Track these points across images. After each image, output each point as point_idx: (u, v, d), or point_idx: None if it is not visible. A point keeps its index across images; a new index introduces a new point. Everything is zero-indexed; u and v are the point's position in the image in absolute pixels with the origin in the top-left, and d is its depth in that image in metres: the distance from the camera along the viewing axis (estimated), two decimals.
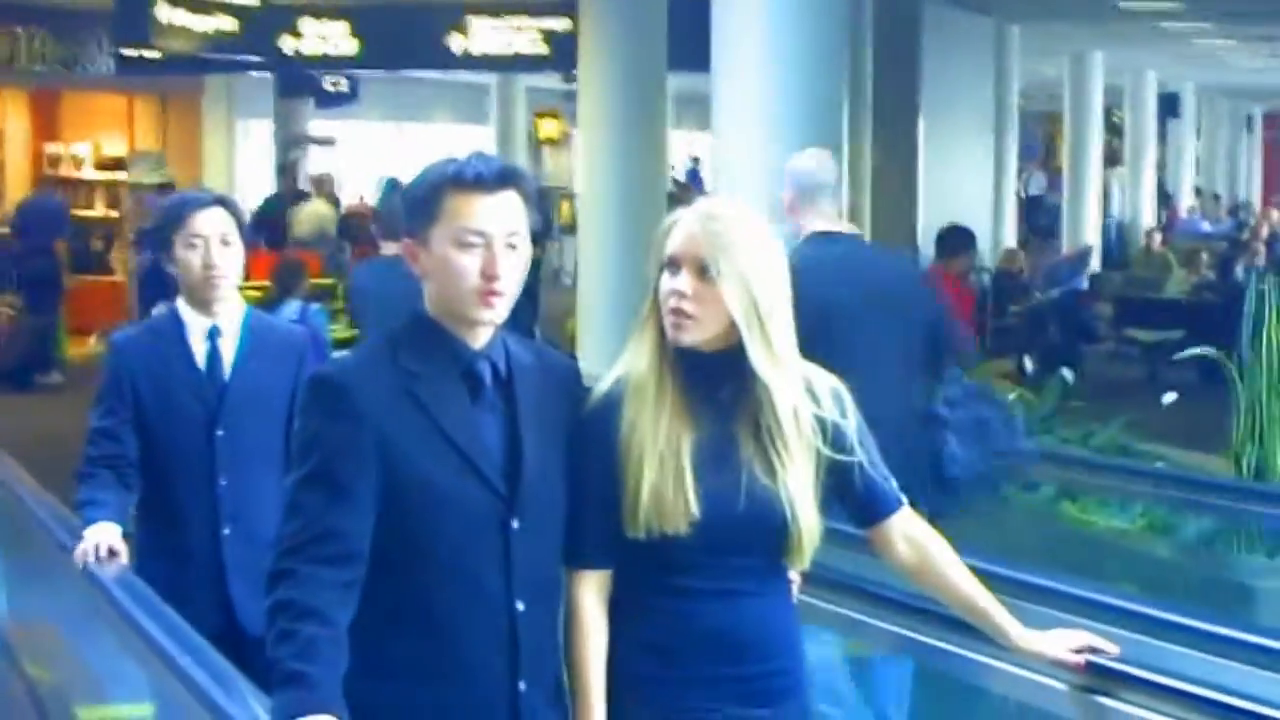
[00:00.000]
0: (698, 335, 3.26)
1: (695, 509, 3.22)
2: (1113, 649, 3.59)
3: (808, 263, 4.44)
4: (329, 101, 22.56)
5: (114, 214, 20.03)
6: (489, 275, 3.16)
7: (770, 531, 3.27)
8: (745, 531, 3.26)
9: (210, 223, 4.62)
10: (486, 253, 3.16)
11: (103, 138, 21.81)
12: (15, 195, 20.64)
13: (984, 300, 17.13)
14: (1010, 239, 20.71)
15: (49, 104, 21.75)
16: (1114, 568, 6.30)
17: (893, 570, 3.53)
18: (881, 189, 15.55)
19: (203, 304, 4.65)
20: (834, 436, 3.32)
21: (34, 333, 15.61)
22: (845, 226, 6.01)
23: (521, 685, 3.23)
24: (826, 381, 3.38)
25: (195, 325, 4.66)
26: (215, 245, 4.60)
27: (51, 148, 21.62)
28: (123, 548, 4.54)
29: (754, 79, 8.99)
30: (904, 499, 3.44)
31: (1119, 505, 6.85)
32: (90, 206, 20.46)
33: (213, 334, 4.64)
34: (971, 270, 10.50)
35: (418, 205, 3.24)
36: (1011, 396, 7.91)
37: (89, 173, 21.30)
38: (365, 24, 16.27)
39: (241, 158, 23.78)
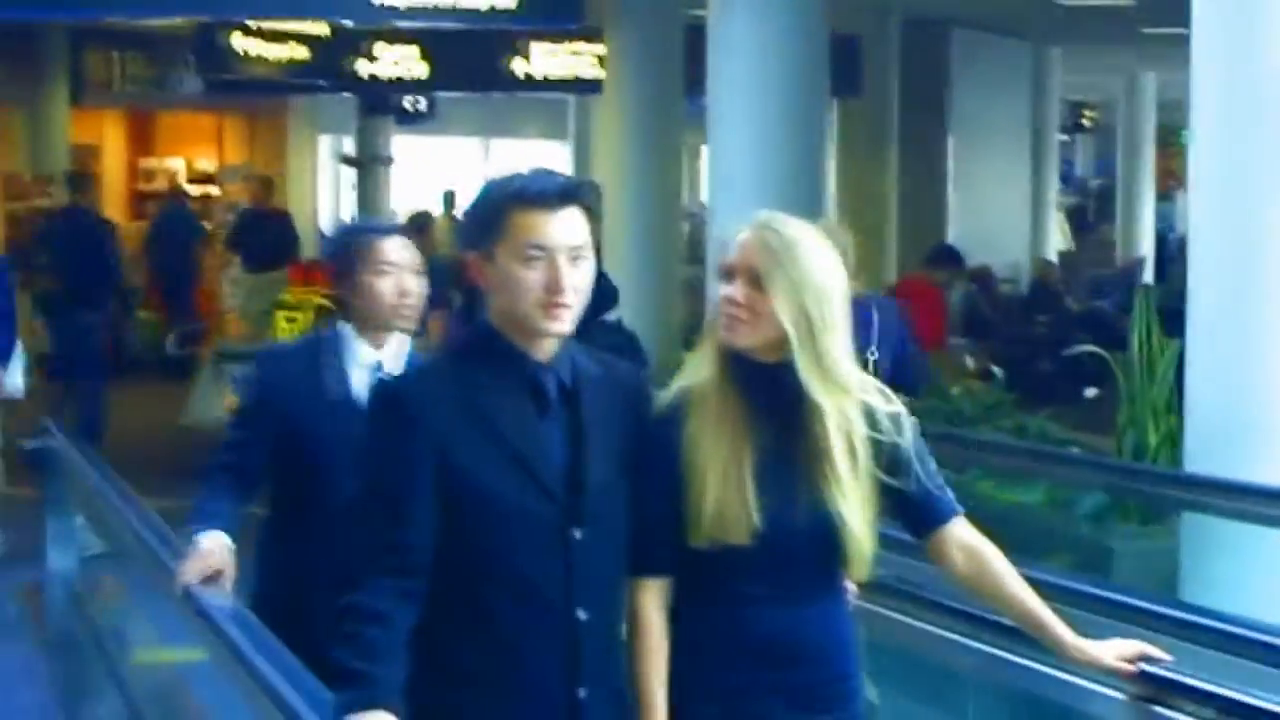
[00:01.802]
0: (748, 338, 3.28)
1: (756, 520, 3.22)
2: (1166, 657, 3.59)
3: None
4: (408, 119, 23.19)
5: (205, 225, 20.43)
6: (553, 289, 3.16)
7: (825, 544, 3.27)
8: (802, 543, 3.27)
9: (401, 251, 4.43)
10: (550, 267, 3.16)
11: (194, 153, 22.56)
12: (113, 209, 21.08)
13: (1014, 308, 18.06)
14: (1050, 253, 21.41)
15: (143, 122, 22.43)
16: (1009, 534, 7.22)
17: (948, 579, 3.53)
18: (908, 206, 16.44)
19: (376, 332, 4.41)
20: (889, 456, 3.33)
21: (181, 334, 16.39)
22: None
23: (582, 693, 3.22)
24: (884, 398, 3.38)
25: (361, 354, 4.40)
26: (408, 274, 4.41)
27: (146, 163, 22.30)
28: (229, 564, 4.34)
29: (743, 101, 9.95)
30: (959, 509, 3.44)
31: (1026, 483, 7.89)
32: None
33: (377, 369, 4.37)
34: (952, 283, 11.51)
35: (482, 222, 3.25)
36: (955, 390, 8.93)
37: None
38: (434, 48, 16.80)
39: (324, 172, 24.70)
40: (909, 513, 3.40)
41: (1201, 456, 6.44)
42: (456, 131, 28.95)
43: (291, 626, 4.10)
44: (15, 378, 9.66)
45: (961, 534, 3.42)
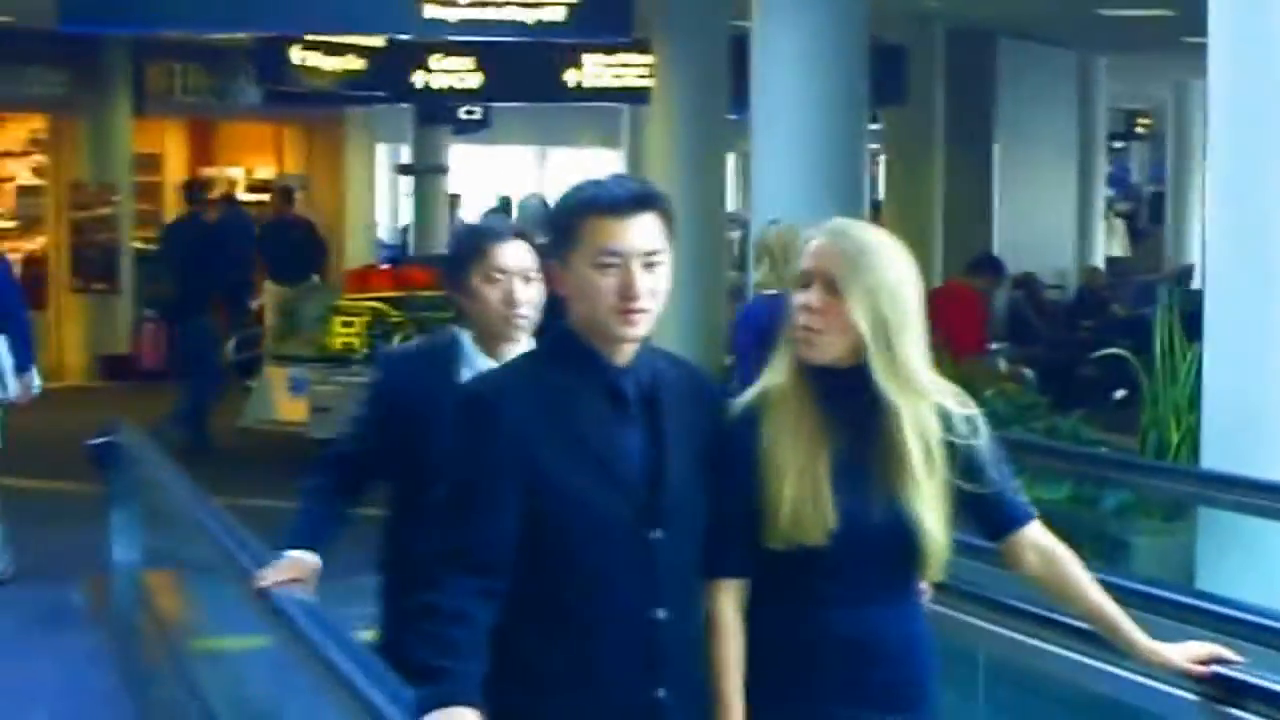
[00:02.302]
0: (824, 352, 3.31)
1: (832, 521, 3.25)
2: (1238, 659, 3.62)
3: None
4: (464, 128, 23.43)
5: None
6: (627, 294, 3.19)
7: (900, 545, 3.30)
8: (877, 544, 3.29)
9: (514, 256, 4.19)
10: (624, 272, 3.19)
11: (253, 162, 22.92)
12: (174, 215, 22.06)
13: (1059, 314, 18.28)
14: (1098, 259, 21.59)
15: (203, 132, 22.69)
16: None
17: (1023, 580, 3.55)
18: (954, 213, 16.64)
19: (493, 342, 4.21)
20: (965, 459, 3.34)
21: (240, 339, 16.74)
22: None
23: (661, 693, 3.25)
24: (960, 401, 3.38)
25: (478, 363, 4.18)
26: (518, 282, 4.17)
27: (206, 172, 22.29)
28: (311, 581, 4.30)
29: (785, 110, 10.31)
30: (1034, 512, 3.46)
31: (1054, 481, 8.15)
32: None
33: None
34: (993, 289, 11.81)
35: (558, 230, 3.29)
36: (989, 393, 9.19)
37: (241, 195, 21.97)
38: (489, 59, 17.00)
39: (382, 181, 25.04)
40: (984, 515, 3.44)
41: (1218, 454, 6.62)
42: (512, 140, 29.26)
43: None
44: (35, 378, 9.85)
45: (1037, 537, 3.45)
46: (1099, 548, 7.40)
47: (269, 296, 16.92)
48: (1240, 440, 6.56)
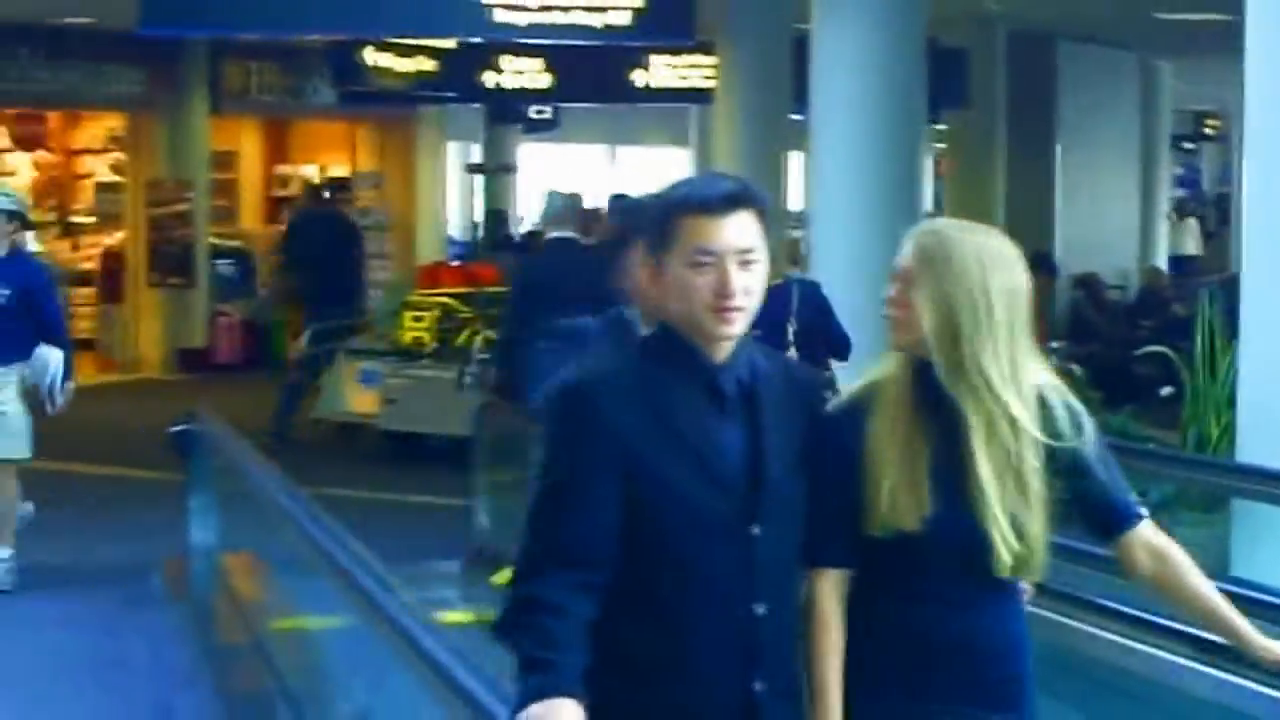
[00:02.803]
0: (904, 338, 3.34)
1: (926, 508, 3.25)
2: None
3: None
4: (533, 127, 23.59)
5: None
6: (722, 293, 3.18)
7: (973, 548, 3.28)
8: (959, 542, 3.28)
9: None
10: (719, 271, 3.17)
11: (327, 160, 22.94)
12: (250, 212, 22.09)
13: (1120, 313, 18.44)
14: (1161, 259, 21.67)
15: (278, 130, 22.88)
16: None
17: (1136, 582, 3.51)
18: (1016, 215, 16.67)
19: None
20: (1069, 460, 3.33)
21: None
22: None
23: (758, 686, 3.22)
24: (1065, 402, 3.37)
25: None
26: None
27: (281, 169, 22.77)
28: None
29: (844, 112, 10.53)
30: (1145, 512, 3.43)
31: None
32: None
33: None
34: (1047, 288, 12.02)
35: (653, 231, 3.28)
36: None
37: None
38: (558, 60, 17.05)
39: (452, 178, 25.26)
40: (1092, 515, 3.42)
41: (1253, 448, 6.79)
42: (583, 139, 29.45)
43: None
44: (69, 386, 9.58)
45: (1149, 537, 3.42)
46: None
47: None
48: (1275, 435, 6.75)
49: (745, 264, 3.20)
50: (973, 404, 3.27)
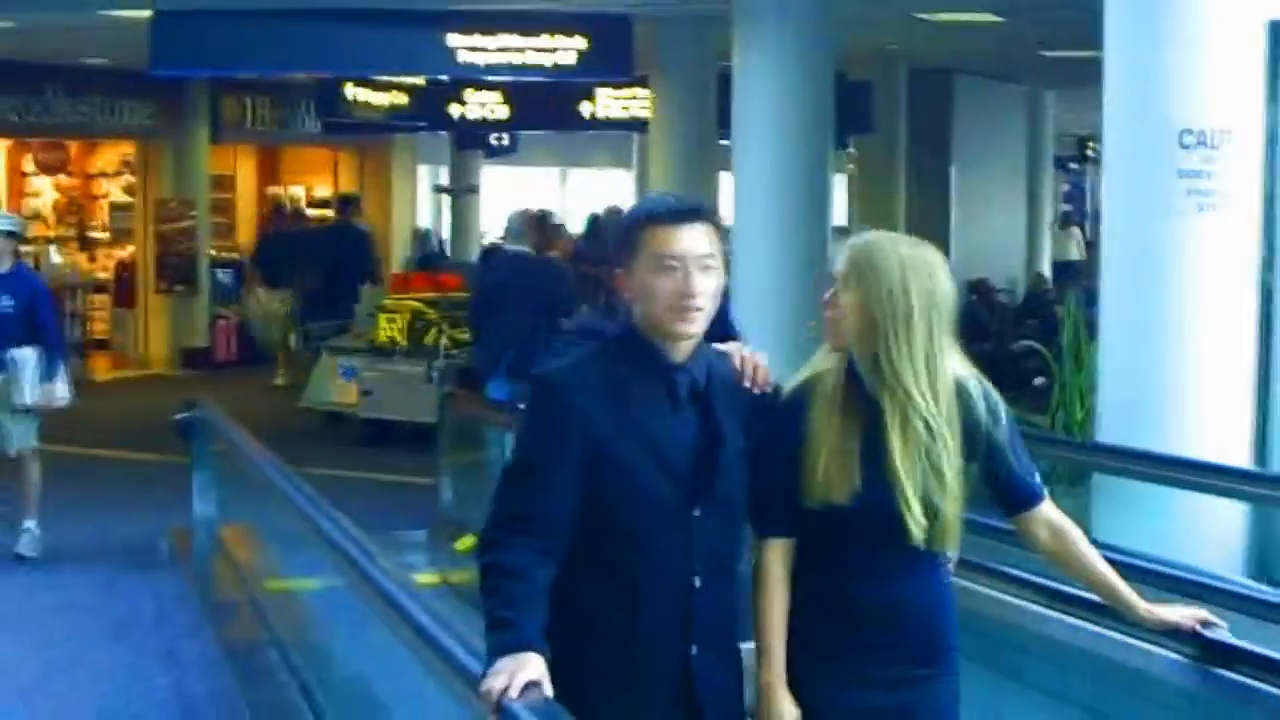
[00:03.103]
0: (837, 338, 3.32)
1: (856, 485, 3.23)
2: (1219, 622, 3.63)
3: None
4: (494, 152, 23.63)
5: None
6: (685, 294, 3.20)
7: (892, 522, 3.25)
8: (882, 518, 3.26)
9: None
10: (682, 275, 3.20)
11: (313, 182, 23.12)
12: (245, 227, 21.98)
13: (1009, 314, 18.59)
14: (1045, 266, 21.84)
15: (270, 156, 22.92)
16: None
17: (1035, 552, 3.51)
18: (916, 228, 16.84)
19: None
20: (985, 443, 3.32)
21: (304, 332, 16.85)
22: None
23: (694, 650, 3.26)
24: (984, 391, 3.36)
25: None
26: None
27: (273, 190, 22.90)
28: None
29: (761, 138, 10.70)
30: (1045, 492, 3.44)
31: None
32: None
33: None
34: None
35: (622, 243, 3.29)
36: None
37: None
38: (515, 93, 17.15)
39: (422, 198, 25.29)
40: (1001, 494, 3.40)
41: (1110, 430, 6.86)
42: (538, 162, 29.48)
43: None
44: (65, 389, 9.40)
45: (1048, 514, 3.44)
46: None
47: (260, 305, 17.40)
48: (1128, 418, 6.80)
49: (704, 269, 3.22)
50: (889, 399, 3.25)
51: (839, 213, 20.53)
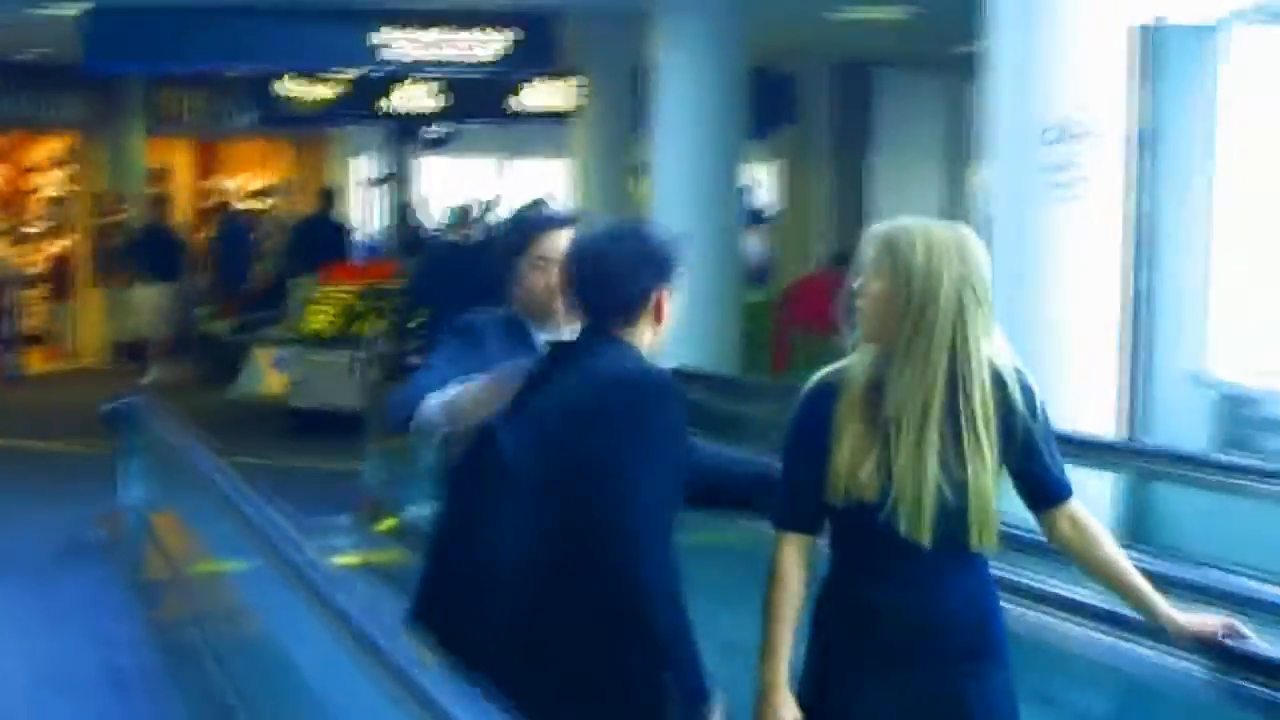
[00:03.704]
0: (865, 329, 3.21)
1: (881, 479, 3.13)
2: (1248, 634, 3.44)
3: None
4: (430, 144, 23.83)
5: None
6: (552, 290, 3.59)
7: (951, 513, 3.15)
8: (914, 512, 3.15)
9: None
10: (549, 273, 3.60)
11: (249, 173, 23.15)
12: (182, 219, 21.63)
13: None
14: None
15: (207, 148, 22.94)
16: None
17: (1060, 550, 3.38)
18: (836, 215, 17.24)
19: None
20: (1020, 438, 3.20)
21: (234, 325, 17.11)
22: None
23: None
24: (1023, 383, 3.22)
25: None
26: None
27: (209, 182, 22.92)
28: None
29: (678, 127, 11.13)
30: (1071, 487, 3.30)
31: None
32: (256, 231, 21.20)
33: None
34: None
35: (512, 242, 3.82)
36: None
37: (238, 203, 22.56)
38: (447, 87, 17.26)
39: (359, 188, 25.42)
40: (1031, 488, 3.28)
41: None
42: (478, 152, 29.68)
43: None
44: None
45: (1074, 509, 3.32)
46: None
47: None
48: None
49: None
50: (913, 391, 3.15)
51: (766, 200, 20.92)
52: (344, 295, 14.15)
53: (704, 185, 10.89)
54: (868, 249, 3.23)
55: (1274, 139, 7.84)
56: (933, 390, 3.14)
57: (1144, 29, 7.50)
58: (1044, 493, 3.32)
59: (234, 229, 20.22)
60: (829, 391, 3.24)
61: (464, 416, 3.55)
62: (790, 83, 17.08)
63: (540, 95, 17.87)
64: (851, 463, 3.16)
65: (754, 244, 20.38)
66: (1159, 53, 7.98)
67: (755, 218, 21.47)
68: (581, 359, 3.31)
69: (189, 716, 6.55)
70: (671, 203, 11.05)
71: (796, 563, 3.26)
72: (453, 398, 3.59)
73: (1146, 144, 7.66)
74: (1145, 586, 3.39)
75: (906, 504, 3.16)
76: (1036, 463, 3.25)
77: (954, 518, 3.17)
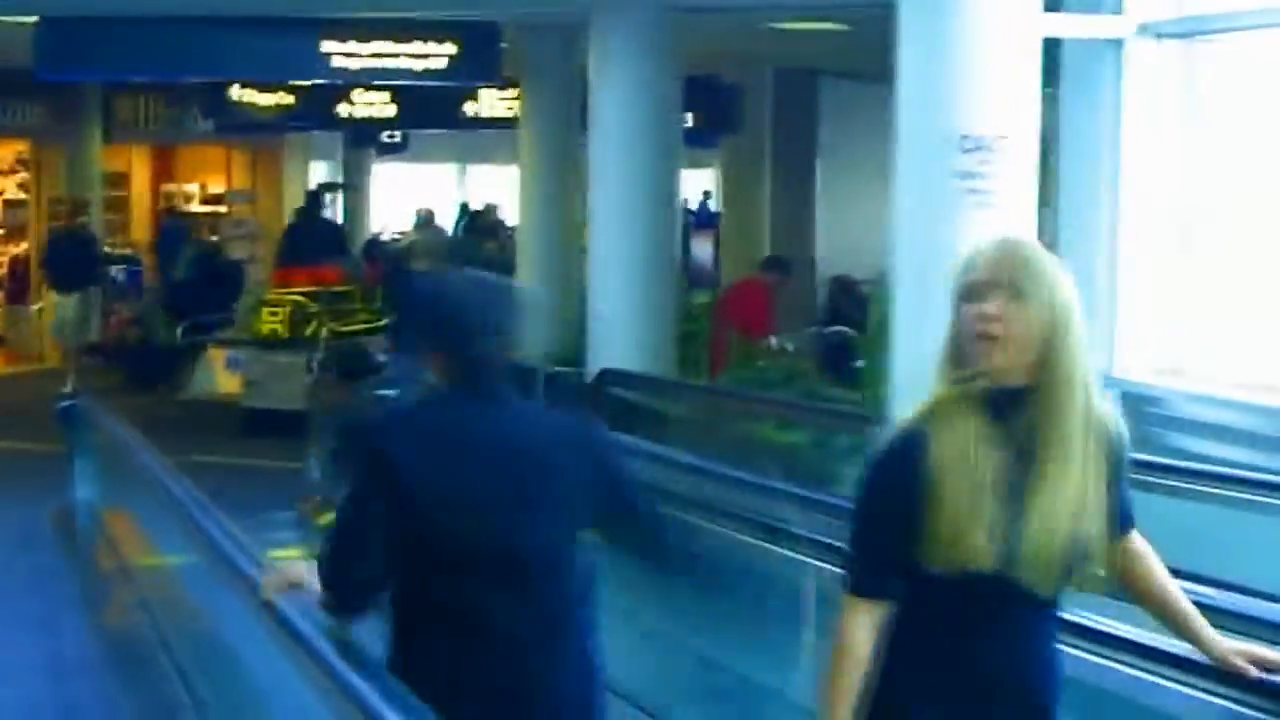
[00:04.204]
0: (1003, 359, 2.87)
1: (997, 544, 2.85)
2: None
3: None
4: (385, 150, 24.12)
5: (215, 238, 21.06)
6: None
7: (1070, 559, 2.93)
8: (1038, 567, 2.90)
9: None
10: None
11: (207, 179, 23.39)
12: (139, 225, 22.16)
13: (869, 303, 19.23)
14: None
15: (165, 153, 23.16)
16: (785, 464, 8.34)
17: (1117, 577, 3.16)
18: (780, 223, 17.44)
19: None
20: (1113, 473, 2.99)
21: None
22: None
23: None
24: (1114, 411, 3.04)
25: None
26: None
27: (167, 187, 23.19)
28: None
29: (615, 134, 11.33)
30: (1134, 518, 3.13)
31: (795, 428, 9.26)
32: (198, 233, 21.31)
33: None
34: (781, 283, 12.78)
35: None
36: (762, 362, 10.30)
37: (197, 207, 22.89)
38: (401, 94, 17.50)
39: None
40: (1109, 516, 3.02)
41: (904, 404, 7.61)
42: (437, 158, 29.90)
43: None
44: None
45: (1134, 538, 3.17)
46: (830, 474, 8.49)
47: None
48: (918, 394, 7.55)
49: None
50: (1050, 430, 2.89)
51: (712, 205, 21.18)
52: (295, 298, 14.41)
53: (640, 191, 11.15)
54: (999, 270, 2.91)
55: (1174, 147, 8.18)
56: (1080, 428, 2.91)
57: (1049, 42, 7.79)
58: (1119, 522, 3.09)
59: (173, 233, 20.24)
60: (917, 441, 2.91)
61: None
62: (735, 91, 17.37)
63: (492, 104, 18.17)
64: (958, 524, 2.86)
65: (705, 248, 20.75)
66: (1065, 65, 8.33)
67: (707, 222, 21.83)
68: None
69: (132, 704, 6.75)
70: (609, 208, 11.32)
71: (868, 634, 2.95)
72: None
73: (1053, 153, 7.95)
74: (1193, 611, 3.23)
75: (1037, 560, 2.90)
76: (1117, 496, 3.03)
77: (1075, 564, 2.98)
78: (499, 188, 28.68)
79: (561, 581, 3.43)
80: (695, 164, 20.47)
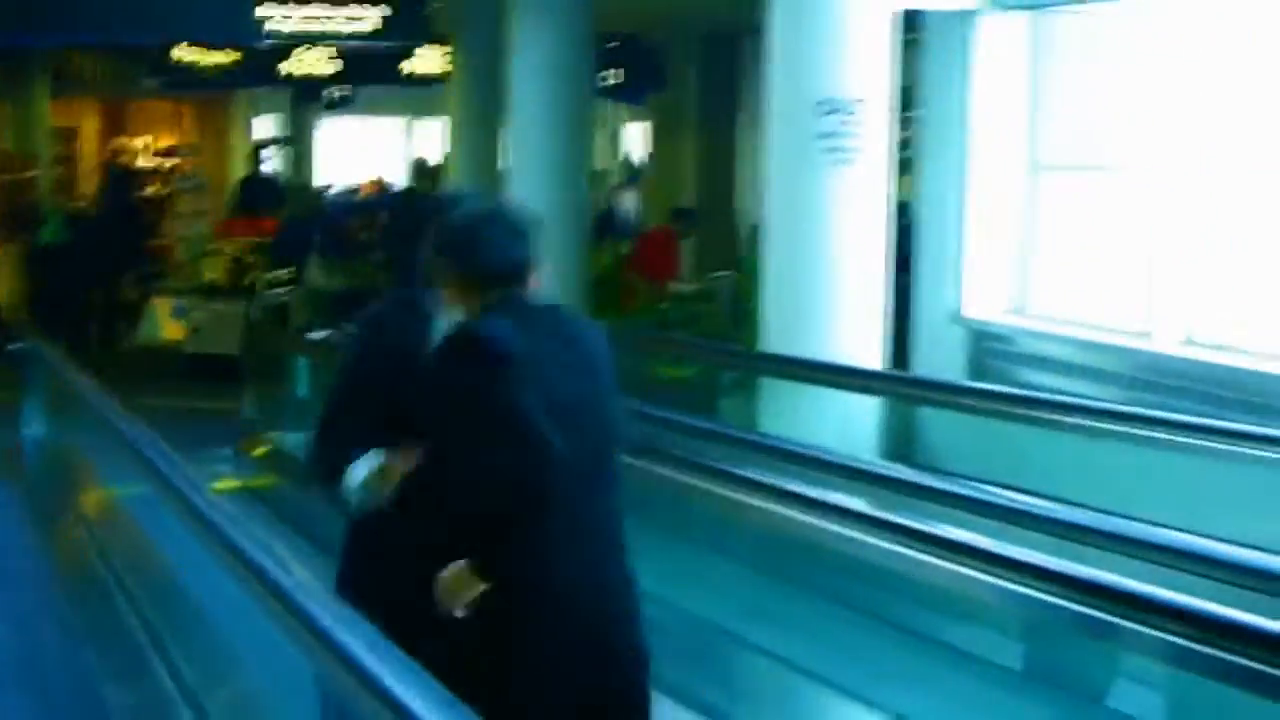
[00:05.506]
0: None
1: None
2: None
3: None
4: (331, 105, 24.61)
5: (165, 191, 21.42)
6: None
7: None
8: None
9: None
10: None
11: (157, 133, 23.52)
12: (88, 180, 22.33)
13: None
14: None
15: (115, 109, 23.42)
16: (670, 393, 9.12)
17: None
18: (704, 175, 18.03)
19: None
20: None
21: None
22: None
23: None
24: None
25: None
26: None
27: (117, 142, 23.27)
28: None
29: (532, 91, 12.09)
30: None
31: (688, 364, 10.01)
32: (146, 186, 21.86)
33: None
34: (688, 232, 13.37)
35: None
36: (666, 304, 11.02)
37: (144, 161, 22.96)
38: (343, 52, 18.27)
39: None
40: None
41: (774, 342, 8.17)
42: (385, 112, 30.33)
43: None
44: None
45: None
46: (718, 405, 9.24)
47: None
48: (787, 334, 8.16)
49: None
50: None
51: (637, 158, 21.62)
52: (235, 248, 15.02)
53: (554, 144, 11.80)
54: None
55: (1020, 109, 8.99)
56: None
57: (907, 12, 8.49)
58: None
59: (118, 186, 20.55)
60: None
61: (381, 495, 3.60)
62: (660, 50, 17.93)
63: (429, 61, 18.74)
64: None
65: (632, 200, 21.38)
66: (925, 34, 9.08)
67: (635, 176, 22.44)
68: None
69: (75, 610, 7.07)
70: (526, 160, 12.00)
71: None
72: (369, 479, 3.62)
73: (910, 115, 8.66)
74: None
75: None
76: None
77: None
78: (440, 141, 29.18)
79: (619, 480, 3.52)
80: (637, 118, 21.10)
